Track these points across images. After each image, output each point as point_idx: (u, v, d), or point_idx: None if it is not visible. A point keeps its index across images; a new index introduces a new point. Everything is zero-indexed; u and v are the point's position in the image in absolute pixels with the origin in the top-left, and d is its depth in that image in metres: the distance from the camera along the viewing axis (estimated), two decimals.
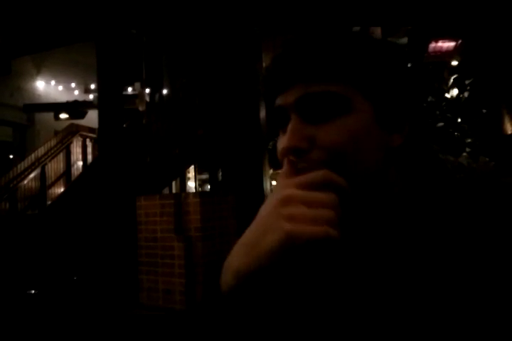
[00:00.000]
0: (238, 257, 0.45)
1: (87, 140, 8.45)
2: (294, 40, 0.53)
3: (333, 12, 4.89)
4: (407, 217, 0.50)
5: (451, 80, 6.11)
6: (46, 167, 7.30)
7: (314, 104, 0.49)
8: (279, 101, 0.52)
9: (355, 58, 0.50)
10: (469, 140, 5.78)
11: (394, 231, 0.50)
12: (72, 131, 8.17)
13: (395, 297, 0.49)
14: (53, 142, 7.83)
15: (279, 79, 0.52)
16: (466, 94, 5.98)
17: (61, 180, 7.79)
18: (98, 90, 5.77)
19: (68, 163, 7.94)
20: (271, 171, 5.23)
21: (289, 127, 0.50)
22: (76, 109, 8.96)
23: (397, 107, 0.52)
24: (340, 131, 0.48)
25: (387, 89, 0.51)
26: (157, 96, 8.45)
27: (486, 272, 0.44)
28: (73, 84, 9.99)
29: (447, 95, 6.09)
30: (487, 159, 4.25)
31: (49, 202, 7.11)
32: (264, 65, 5.28)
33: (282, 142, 0.51)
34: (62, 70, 9.76)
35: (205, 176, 11.62)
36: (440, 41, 5.58)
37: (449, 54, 5.78)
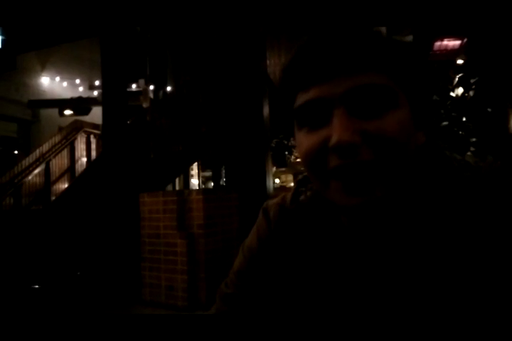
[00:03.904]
0: None
1: (91, 136, 8.46)
2: (329, 30, 0.49)
3: (338, 12, 4.87)
4: (414, 215, 0.50)
5: (457, 79, 6.07)
6: (50, 163, 7.33)
7: (366, 97, 0.45)
8: (315, 93, 0.47)
9: (399, 50, 0.49)
10: (474, 139, 5.76)
11: (400, 228, 0.50)
12: (76, 127, 8.19)
13: (397, 294, 0.49)
14: (58, 138, 7.85)
15: (317, 68, 0.46)
16: (471, 93, 5.95)
17: (65, 176, 7.82)
18: (102, 86, 5.78)
19: (72, 159, 7.96)
20: (274, 169, 5.23)
21: (338, 121, 0.45)
22: (80, 105, 8.99)
23: (427, 104, 0.52)
24: (393, 125, 0.45)
25: (423, 85, 0.51)
26: (161, 93, 8.46)
27: (490, 270, 0.44)
28: (78, 81, 10.02)
29: (452, 94, 6.06)
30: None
31: (53, 198, 7.15)
32: (268, 62, 5.27)
33: (311, 139, 0.48)
34: (66, 66, 9.79)
35: (208, 173, 11.64)
36: (445, 40, 5.56)
37: (455, 52, 5.75)
